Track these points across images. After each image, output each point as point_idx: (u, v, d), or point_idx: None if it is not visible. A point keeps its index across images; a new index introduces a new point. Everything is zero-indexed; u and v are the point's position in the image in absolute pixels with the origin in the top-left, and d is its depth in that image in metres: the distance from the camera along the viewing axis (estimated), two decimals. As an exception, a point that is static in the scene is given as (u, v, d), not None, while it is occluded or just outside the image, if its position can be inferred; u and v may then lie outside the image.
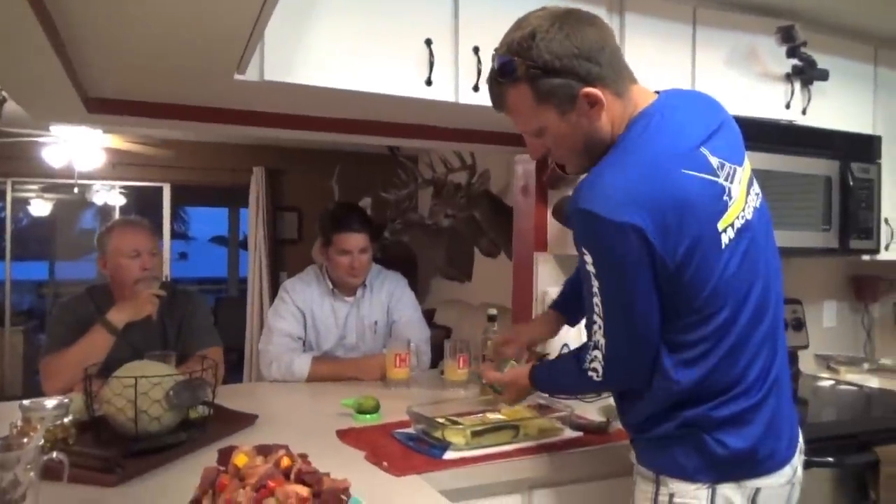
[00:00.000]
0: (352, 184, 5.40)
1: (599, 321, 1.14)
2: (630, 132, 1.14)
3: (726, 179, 1.12)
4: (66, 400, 1.46)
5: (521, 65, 1.11)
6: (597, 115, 1.14)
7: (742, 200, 1.14)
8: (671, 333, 1.14)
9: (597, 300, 1.12)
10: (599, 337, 1.15)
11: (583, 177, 1.17)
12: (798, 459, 1.21)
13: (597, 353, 1.16)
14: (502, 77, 1.15)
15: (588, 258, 1.11)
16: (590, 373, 1.18)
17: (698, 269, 1.09)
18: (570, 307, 1.54)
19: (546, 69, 1.10)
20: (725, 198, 1.11)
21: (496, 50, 1.17)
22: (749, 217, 1.15)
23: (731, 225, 1.11)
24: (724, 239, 1.10)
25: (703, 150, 1.11)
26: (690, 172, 1.08)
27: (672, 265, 1.07)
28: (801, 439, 1.25)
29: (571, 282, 1.59)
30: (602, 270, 1.10)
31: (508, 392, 1.49)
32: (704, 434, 1.13)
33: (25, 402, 1.42)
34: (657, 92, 1.21)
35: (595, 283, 1.12)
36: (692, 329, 1.12)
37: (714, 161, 1.11)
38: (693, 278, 1.09)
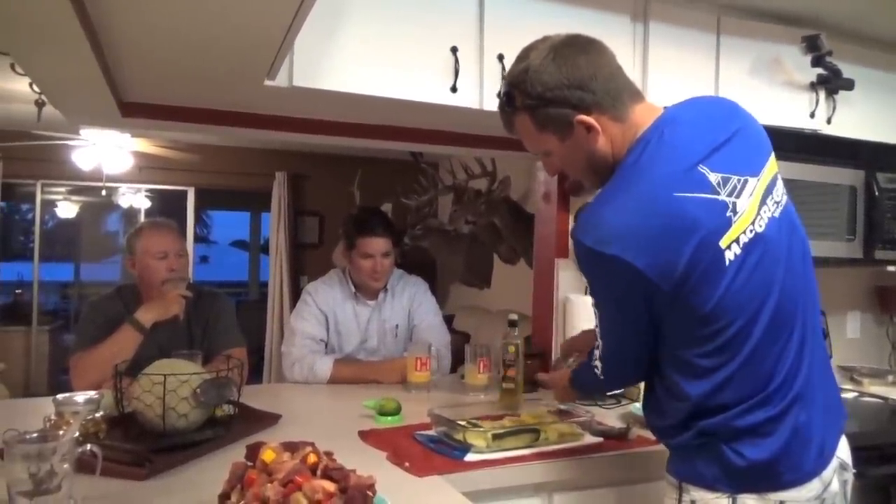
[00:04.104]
0: (372, 189, 5.44)
1: (597, 330, 1.26)
2: (626, 160, 1.16)
3: (730, 195, 1.11)
4: (96, 395, 1.50)
5: (519, 96, 1.20)
6: (594, 140, 1.18)
7: (752, 213, 1.12)
8: (678, 350, 1.15)
9: (596, 312, 1.25)
10: (598, 340, 1.27)
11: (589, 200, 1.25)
12: (833, 475, 1.17)
13: (597, 352, 1.28)
14: (506, 107, 1.25)
15: (586, 280, 1.22)
16: (595, 369, 1.31)
17: (698, 288, 1.09)
18: None
19: (540, 100, 1.17)
20: (729, 214, 1.10)
21: (503, 80, 1.26)
22: (760, 230, 1.13)
23: (737, 240, 1.10)
24: (729, 255, 1.09)
25: (702, 168, 1.11)
26: (685, 194, 1.08)
27: (669, 289, 1.08)
28: (846, 455, 1.22)
29: None
30: (596, 295, 1.23)
31: (555, 389, 1.61)
32: (723, 444, 1.13)
33: (59, 396, 1.46)
34: (665, 107, 1.21)
35: (592, 300, 1.25)
36: (699, 344, 1.12)
37: (714, 178, 1.11)
38: (692, 298, 1.09)
